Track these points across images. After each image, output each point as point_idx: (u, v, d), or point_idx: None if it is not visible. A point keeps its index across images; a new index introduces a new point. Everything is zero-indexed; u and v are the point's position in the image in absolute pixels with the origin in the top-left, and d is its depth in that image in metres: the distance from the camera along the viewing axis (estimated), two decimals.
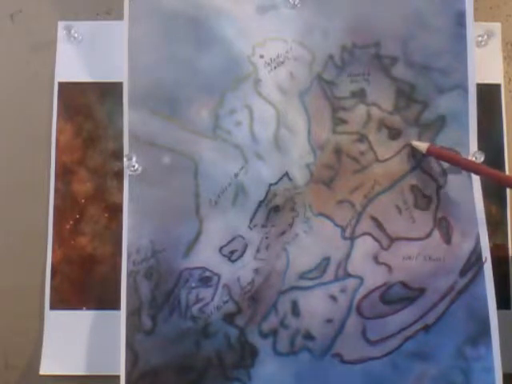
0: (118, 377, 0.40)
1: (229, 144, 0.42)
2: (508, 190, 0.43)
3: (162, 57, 0.43)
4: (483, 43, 0.44)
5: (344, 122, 0.43)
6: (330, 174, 0.42)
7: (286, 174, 0.42)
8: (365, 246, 0.41)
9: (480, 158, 0.41)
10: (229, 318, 0.41)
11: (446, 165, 0.42)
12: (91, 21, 0.44)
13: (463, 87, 0.42)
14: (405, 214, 0.42)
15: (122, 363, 0.40)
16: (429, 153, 0.41)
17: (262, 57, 0.43)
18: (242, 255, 0.41)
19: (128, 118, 0.42)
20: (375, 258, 0.41)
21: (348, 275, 0.41)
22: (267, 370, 0.40)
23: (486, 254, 0.41)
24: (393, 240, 0.41)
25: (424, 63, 0.43)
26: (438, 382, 0.40)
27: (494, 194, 0.43)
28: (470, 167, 0.40)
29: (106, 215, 0.43)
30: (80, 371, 0.41)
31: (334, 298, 0.41)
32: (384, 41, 0.43)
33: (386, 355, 0.40)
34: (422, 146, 0.41)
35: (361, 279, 0.41)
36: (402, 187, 0.42)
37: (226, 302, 0.41)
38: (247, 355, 0.40)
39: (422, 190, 0.42)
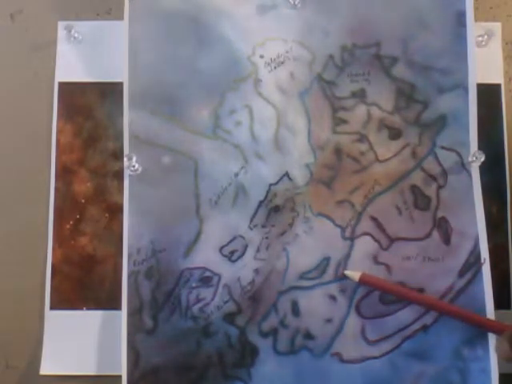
0: (118, 377, 0.40)
1: (229, 144, 0.42)
2: (508, 190, 0.43)
3: (162, 57, 0.43)
4: (483, 43, 0.44)
5: (344, 121, 0.43)
6: (329, 174, 0.42)
7: (286, 174, 0.42)
8: (364, 246, 0.41)
9: (480, 158, 0.41)
10: (229, 318, 0.41)
11: (446, 165, 0.42)
12: (91, 21, 0.44)
13: (463, 87, 0.42)
14: (405, 214, 0.42)
15: (123, 363, 0.40)
16: (361, 281, 0.40)
17: (262, 57, 0.43)
18: (242, 255, 0.41)
19: (128, 118, 0.42)
20: (375, 258, 0.41)
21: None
22: (267, 369, 0.40)
23: (485, 255, 0.41)
24: (392, 240, 0.41)
25: (424, 63, 0.43)
26: (436, 381, 0.40)
27: (494, 194, 0.43)
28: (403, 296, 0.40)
29: (107, 215, 0.43)
30: (80, 371, 0.41)
31: (333, 297, 0.41)
32: (384, 41, 0.43)
33: (384, 355, 0.40)
34: (355, 274, 0.40)
35: None
36: (402, 187, 0.42)
37: (227, 301, 0.41)
38: (247, 354, 0.41)
39: (421, 190, 0.42)
